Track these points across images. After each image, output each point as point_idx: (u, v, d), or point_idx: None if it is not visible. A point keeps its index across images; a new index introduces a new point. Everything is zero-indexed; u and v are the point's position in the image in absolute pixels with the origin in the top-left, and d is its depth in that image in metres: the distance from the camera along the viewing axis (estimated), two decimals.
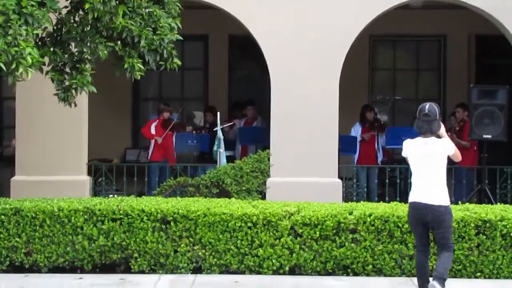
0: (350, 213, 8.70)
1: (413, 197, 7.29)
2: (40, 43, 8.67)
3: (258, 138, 12.70)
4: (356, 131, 12.79)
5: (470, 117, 11.48)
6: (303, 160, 11.24)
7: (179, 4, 9.39)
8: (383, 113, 13.48)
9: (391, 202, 9.50)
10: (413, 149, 7.35)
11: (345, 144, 12.15)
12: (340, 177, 11.55)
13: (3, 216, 8.85)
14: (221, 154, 11.39)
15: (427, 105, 7.33)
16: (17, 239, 8.84)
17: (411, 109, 14.62)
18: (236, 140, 13.29)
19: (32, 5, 7.61)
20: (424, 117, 7.29)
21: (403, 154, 7.55)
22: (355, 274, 8.61)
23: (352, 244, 8.58)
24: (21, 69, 7.38)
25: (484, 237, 8.50)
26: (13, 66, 7.37)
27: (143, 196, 9.94)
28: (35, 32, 7.71)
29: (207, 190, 10.91)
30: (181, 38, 9.22)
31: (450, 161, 7.82)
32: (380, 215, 8.61)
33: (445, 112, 14.11)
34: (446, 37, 14.48)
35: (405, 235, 8.54)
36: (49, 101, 9.63)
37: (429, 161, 7.23)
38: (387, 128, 12.97)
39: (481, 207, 8.97)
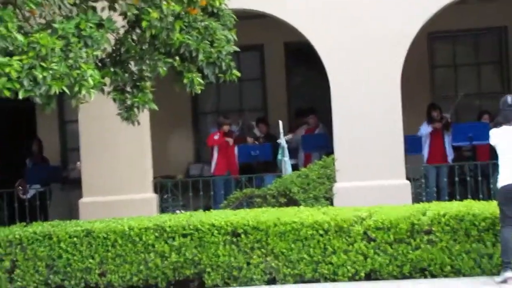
0: (424, 214, 8.51)
1: (505, 180, 7.99)
2: (100, 64, 8.71)
3: (322, 145, 12.59)
4: (424, 130, 12.56)
5: None
6: (369, 163, 11.08)
7: (234, 15, 9.35)
8: (448, 111, 13.18)
9: (464, 200, 9.27)
10: (502, 137, 8.13)
11: (411, 144, 11.94)
12: (407, 178, 11.35)
13: (75, 238, 8.90)
14: (286, 162, 11.30)
15: (509, 97, 8.23)
16: (90, 260, 8.87)
17: (474, 104, 14.37)
18: (298, 148, 13.20)
19: (91, 27, 7.65)
20: (509, 108, 8.15)
21: (492, 142, 8.29)
22: (433, 276, 8.41)
23: (428, 246, 8.39)
24: (83, 91, 7.42)
25: None
26: (76, 88, 7.41)
27: (211, 210, 9.90)
28: (95, 53, 7.75)
29: (274, 200, 10.82)
30: (238, 49, 9.19)
31: None
32: (454, 214, 8.40)
33: None
34: (506, 29, 14.15)
35: (482, 234, 8.32)
36: (112, 121, 9.69)
37: None
38: (452, 125, 12.71)
39: None
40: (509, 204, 7.96)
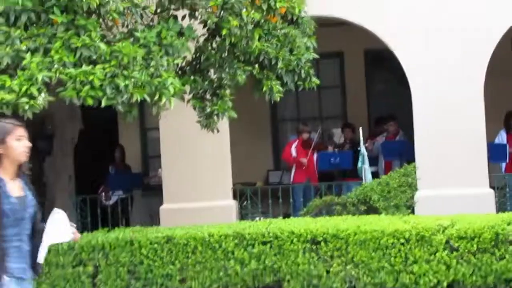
0: (509, 224, 8.29)
1: None
2: (180, 72, 8.81)
3: (402, 152, 12.43)
4: (502, 138, 12.27)
5: None
6: (451, 171, 10.89)
7: (313, 23, 9.33)
8: None
9: None
10: None
11: (495, 152, 11.68)
12: (491, 186, 11.10)
13: (156, 245, 8.99)
14: (366, 170, 11.20)
15: None
16: (171, 266, 8.94)
17: None
18: (378, 156, 13.07)
19: (172, 36, 7.75)
20: None
21: None
22: None
23: None
24: (164, 99, 7.51)
25: None
26: (157, 96, 7.51)
27: (290, 217, 9.87)
28: (175, 61, 7.86)
29: (354, 208, 10.73)
30: (317, 56, 9.15)
31: None
32: None
33: None
34: None
35: None
36: (192, 128, 9.77)
37: None
38: None
39: None
40: None
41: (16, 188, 4.78)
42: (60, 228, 4.88)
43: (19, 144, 4.78)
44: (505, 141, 12.15)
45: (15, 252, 4.74)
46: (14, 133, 4.78)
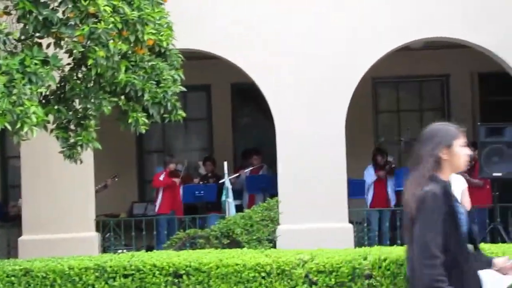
0: (365, 258, 8.54)
1: None
2: (44, 101, 8.63)
3: (266, 186, 12.63)
4: (370, 174, 12.68)
5: (479, 155, 11.39)
6: (312, 205, 11.14)
7: (181, 56, 9.38)
8: (390, 155, 13.37)
9: (404, 245, 9.32)
10: None
11: (354, 187, 12.05)
12: (350, 221, 11.43)
13: (13, 278, 8.69)
14: (230, 204, 11.29)
15: None
16: None
17: None
18: (243, 189, 13.21)
19: (36, 64, 7.60)
20: None
21: None
22: None
23: None
24: (26, 128, 7.34)
25: None
26: (18, 125, 7.33)
27: (154, 250, 9.81)
28: (39, 90, 7.69)
29: (217, 241, 10.77)
30: (184, 89, 9.19)
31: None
32: (395, 259, 8.43)
33: None
34: (449, 76, 14.48)
35: None
36: (54, 158, 9.57)
37: None
38: (395, 170, 12.87)
39: (497, 247, 8.81)
40: None
41: None
42: None
43: (463, 151, 4.49)
44: (372, 177, 12.55)
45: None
46: (460, 139, 4.49)
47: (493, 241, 10.86)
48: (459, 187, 7.24)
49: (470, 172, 12.17)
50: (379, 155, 12.82)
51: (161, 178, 12.87)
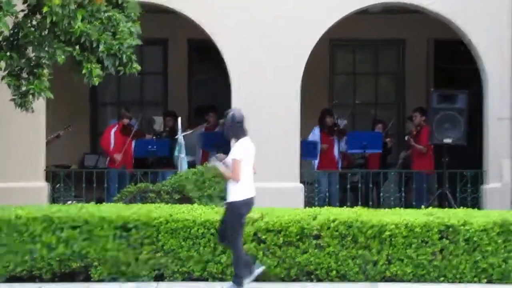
0: (314, 219, 8.64)
1: (246, 194, 8.17)
2: None
3: (219, 143, 12.57)
4: (315, 135, 12.68)
5: (431, 121, 11.51)
6: (264, 164, 11.07)
7: (139, 8, 9.26)
8: (343, 117, 13.44)
9: (354, 207, 9.45)
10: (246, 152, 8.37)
11: (306, 149, 12.10)
12: (301, 181, 11.50)
13: None
14: (182, 159, 11.26)
15: (236, 113, 8.48)
16: None
17: (371, 113, 14.70)
18: (196, 145, 13.16)
19: None
20: (238, 124, 8.39)
21: (238, 158, 8.35)
22: (319, 280, 8.54)
23: (316, 250, 8.51)
24: None
25: (447, 241, 8.49)
26: None
27: (103, 203, 9.78)
28: None
29: (168, 196, 10.73)
30: (140, 42, 9.09)
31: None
32: (343, 221, 8.56)
33: (403, 116, 14.20)
34: (405, 42, 14.53)
35: (369, 241, 8.49)
36: (5, 106, 9.44)
37: None
38: (347, 132, 12.92)
39: (444, 212, 8.97)
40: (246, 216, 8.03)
41: None
42: None
43: None
44: (317, 138, 12.54)
45: None
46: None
47: (441, 205, 11.04)
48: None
49: (417, 137, 12.31)
50: (328, 116, 12.76)
51: (112, 134, 12.69)
